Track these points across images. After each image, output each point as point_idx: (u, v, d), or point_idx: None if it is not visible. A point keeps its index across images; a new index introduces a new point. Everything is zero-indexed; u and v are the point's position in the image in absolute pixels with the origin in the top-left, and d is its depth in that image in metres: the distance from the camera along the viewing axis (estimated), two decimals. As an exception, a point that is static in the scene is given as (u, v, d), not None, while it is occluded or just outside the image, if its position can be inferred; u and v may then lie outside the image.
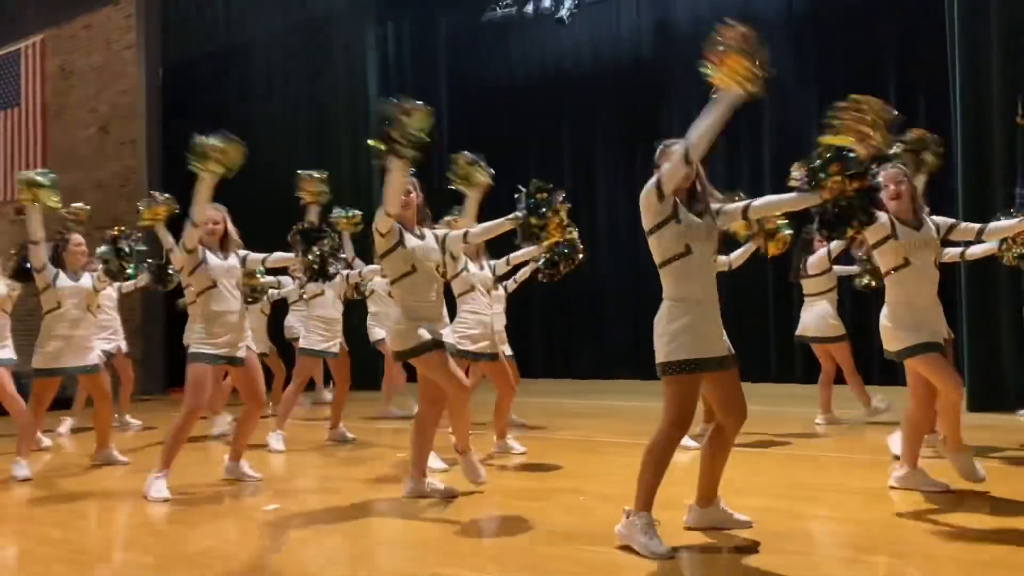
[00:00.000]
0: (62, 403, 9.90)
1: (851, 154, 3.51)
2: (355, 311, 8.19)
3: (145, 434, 7.65)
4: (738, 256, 6.07)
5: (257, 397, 5.05)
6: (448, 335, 4.41)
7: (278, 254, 5.61)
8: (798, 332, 6.89)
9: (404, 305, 4.29)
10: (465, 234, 4.58)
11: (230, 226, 5.15)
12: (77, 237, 5.97)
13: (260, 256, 5.46)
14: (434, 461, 4.99)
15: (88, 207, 7.01)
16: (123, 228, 5.87)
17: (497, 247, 5.87)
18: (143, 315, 12.24)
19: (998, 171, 7.49)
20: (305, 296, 7.13)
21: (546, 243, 4.82)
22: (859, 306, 8.27)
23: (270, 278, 7.40)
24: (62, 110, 13.73)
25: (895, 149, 4.71)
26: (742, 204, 3.68)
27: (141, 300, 11.12)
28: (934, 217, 4.38)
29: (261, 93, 12.51)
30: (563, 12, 11.44)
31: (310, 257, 5.53)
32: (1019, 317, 7.15)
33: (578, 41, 11.83)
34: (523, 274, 6.80)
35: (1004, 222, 4.59)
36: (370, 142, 4.06)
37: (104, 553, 3.69)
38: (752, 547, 3.37)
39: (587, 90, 11.74)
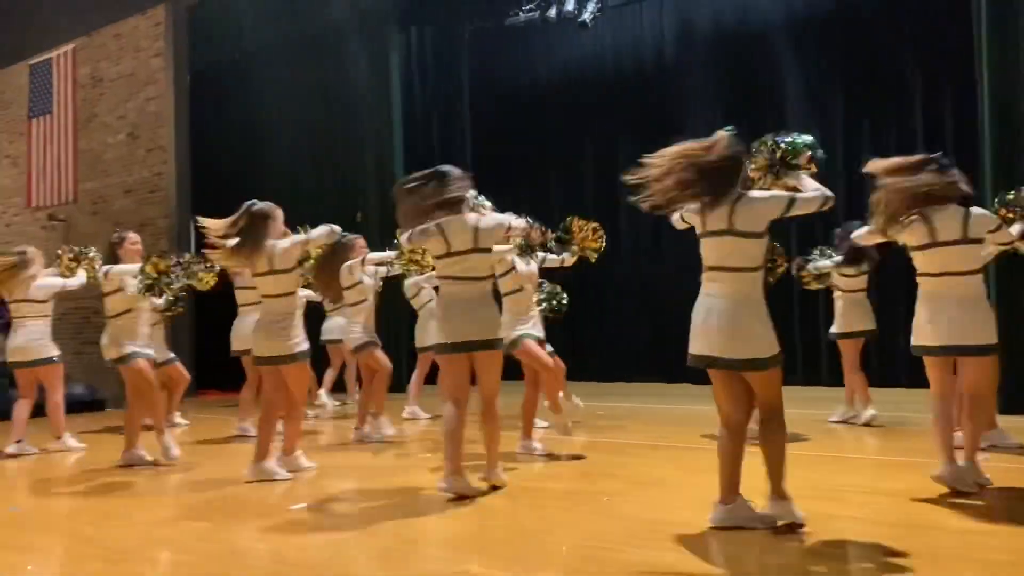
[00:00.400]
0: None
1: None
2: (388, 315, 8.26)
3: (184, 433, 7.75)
4: None
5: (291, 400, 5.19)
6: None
7: None
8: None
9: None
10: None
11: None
12: (133, 235, 6.21)
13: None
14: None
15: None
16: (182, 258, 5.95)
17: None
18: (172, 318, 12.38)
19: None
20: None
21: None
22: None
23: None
24: (92, 117, 13.95)
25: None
26: None
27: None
28: (976, 211, 4.32)
29: (286, 98, 12.63)
30: (586, 16, 11.44)
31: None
32: None
33: (601, 45, 11.86)
34: None
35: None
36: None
37: (136, 551, 3.76)
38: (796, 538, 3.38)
39: (609, 94, 11.76)
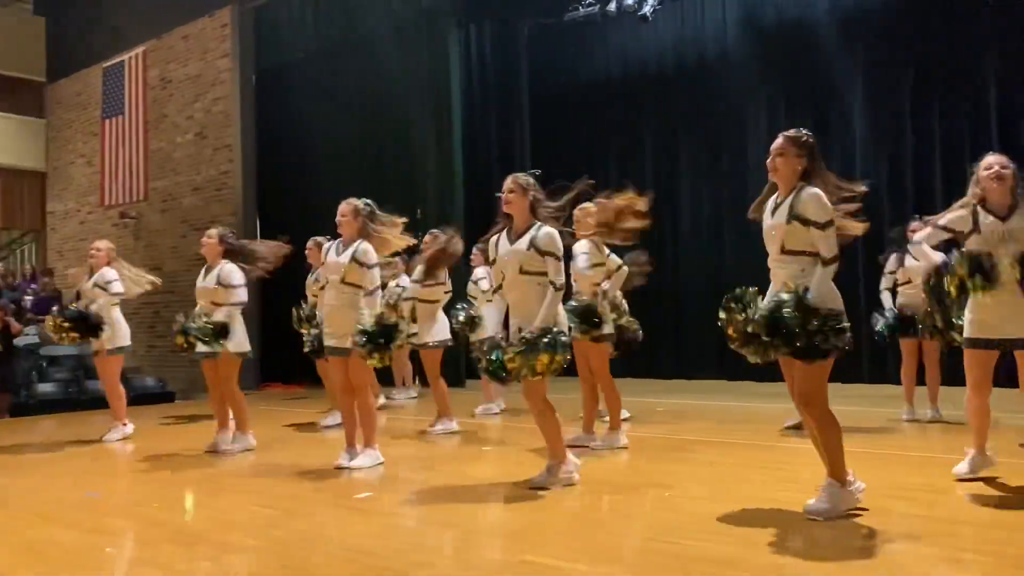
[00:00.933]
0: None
1: None
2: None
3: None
4: None
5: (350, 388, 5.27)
6: None
7: None
8: None
9: None
10: None
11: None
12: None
13: None
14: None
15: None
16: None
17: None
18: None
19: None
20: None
21: None
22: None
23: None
24: (162, 117, 14.35)
25: None
26: None
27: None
28: None
29: (348, 97, 12.82)
30: (646, 9, 11.36)
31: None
32: None
33: (661, 38, 11.74)
34: None
35: None
36: None
37: (208, 535, 3.88)
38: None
39: (670, 88, 11.64)
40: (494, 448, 6.40)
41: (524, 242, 4.47)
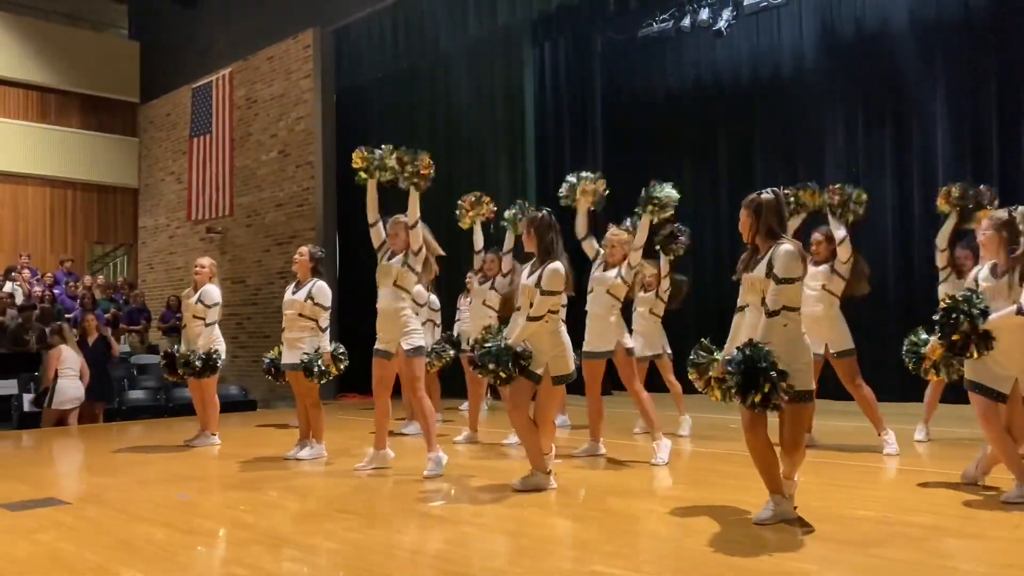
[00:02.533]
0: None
1: None
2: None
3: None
4: None
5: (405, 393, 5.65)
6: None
7: None
8: None
9: None
10: None
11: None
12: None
13: None
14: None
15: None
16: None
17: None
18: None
19: None
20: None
21: None
22: None
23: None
24: (247, 136, 14.90)
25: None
26: None
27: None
28: None
29: (425, 114, 13.12)
30: (721, 24, 11.34)
31: None
32: None
33: (736, 53, 11.66)
34: None
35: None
36: None
37: (292, 538, 4.05)
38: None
39: (745, 102, 11.55)
40: (560, 461, 6.47)
41: (534, 278, 4.82)
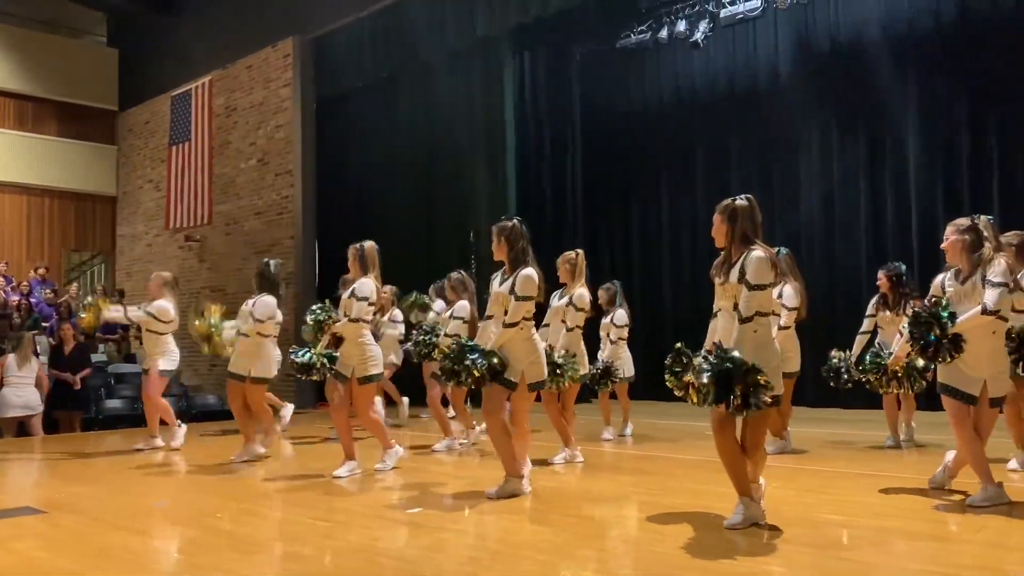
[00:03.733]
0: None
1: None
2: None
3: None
4: None
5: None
6: None
7: None
8: None
9: None
10: None
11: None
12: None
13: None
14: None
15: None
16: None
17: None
18: (295, 336, 13.05)
19: None
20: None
21: None
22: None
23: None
24: (226, 144, 14.88)
25: None
26: None
27: (293, 322, 11.82)
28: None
29: (404, 124, 13.17)
30: (698, 36, 11.48)
31: None
32: None
33: (713, 65, 11.84)
34: None
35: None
36: None
37: (267, 545, 4.07)
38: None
39: (722, 113, 11.72)
40: (539, 468, 6.52)
41: (507, 285, 4.86)
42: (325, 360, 6.14)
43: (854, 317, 9.23)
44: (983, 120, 9.59)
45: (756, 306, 3.89)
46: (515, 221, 5.01)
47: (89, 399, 10.25)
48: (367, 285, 5.66)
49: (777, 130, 11.12)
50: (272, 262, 6.82)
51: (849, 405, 9.37)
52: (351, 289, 5.72)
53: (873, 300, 6.73)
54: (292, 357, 6.33)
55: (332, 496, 5.24)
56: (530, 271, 4.84)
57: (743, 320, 3.88)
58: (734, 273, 3.98)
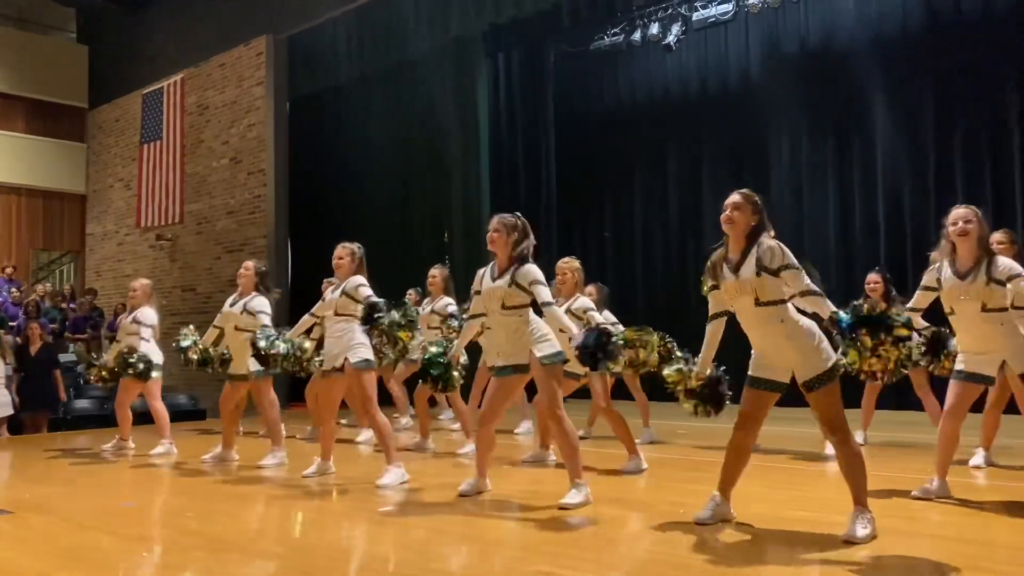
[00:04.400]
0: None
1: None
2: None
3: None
4: None
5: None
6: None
7: None
8: None
9: None
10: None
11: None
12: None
13: None
14: None
15: None
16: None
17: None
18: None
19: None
20: None
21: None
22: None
23: None
24: (198, 143, 14.76)
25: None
26: None
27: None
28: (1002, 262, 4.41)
29: (378, 123, 13.15)
30: (670, 39, 11.60)
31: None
32: None
33: (685, 67, 11.98)
34: None
35: None
36: None
37: (236, 544, 4.06)
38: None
39: (694, 116, 11.85)
40: (512, 467, 6.55)
41: (505, 280, 4.65)
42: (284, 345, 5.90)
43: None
44: (949, 121, 9.78)
45: (807, 279, 3.77)
46: (522, 220, 4.81)
47: (56, 399, 10.12)
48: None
49: (748, 131, 11.26)
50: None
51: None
52: (342, 287, 5.59)
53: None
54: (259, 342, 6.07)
55: (304, 496, 5.23)
56: (534, 265, 4.69)
57: (811, 293, 3.74)
58: (748, 267, 3.82)
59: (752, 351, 3.97)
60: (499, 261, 4.75)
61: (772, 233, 3.93)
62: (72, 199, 17.36)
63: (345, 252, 5.70)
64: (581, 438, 7.44)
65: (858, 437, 6.76)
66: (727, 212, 3.95)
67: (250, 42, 13.98)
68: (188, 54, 14.95)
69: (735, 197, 3.97)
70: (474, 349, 7.75)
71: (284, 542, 4.04)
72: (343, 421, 8.55)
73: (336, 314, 5.61)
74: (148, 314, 7.34)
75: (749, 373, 3.96)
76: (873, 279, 6.64)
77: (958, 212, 4.47)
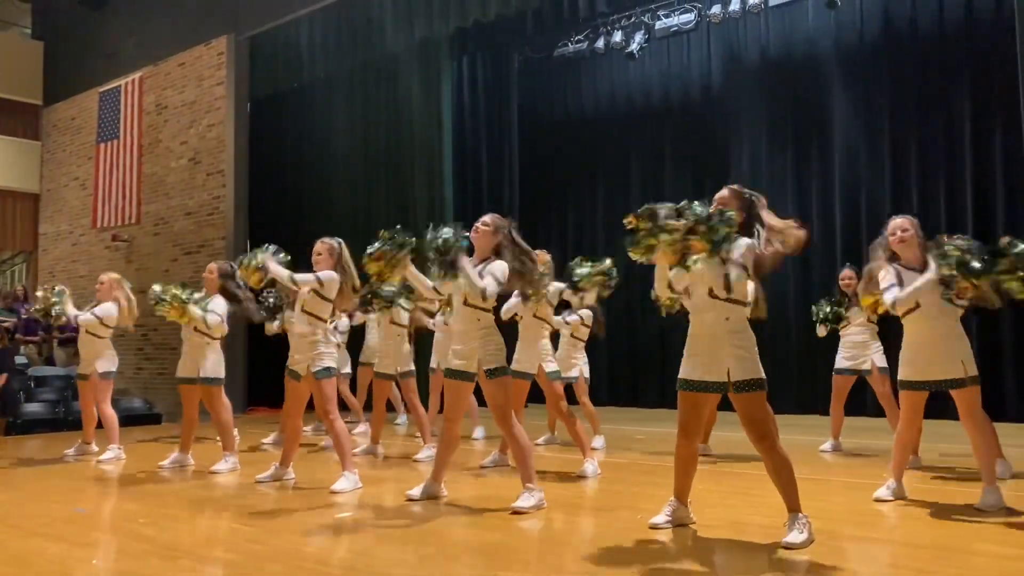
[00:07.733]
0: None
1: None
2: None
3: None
4: None
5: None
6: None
7: None
8: None
9: None
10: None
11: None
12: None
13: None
14: None
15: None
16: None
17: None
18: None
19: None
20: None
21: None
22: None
23: None
24: (156, 142, 14.52)
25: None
26: None
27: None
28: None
29: (341, 126, 13.05)
30: (633, 47, 11.69)
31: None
32: None
33: (648, 75, 12.10)
34: None
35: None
36: None
37: (190, 550, 4.00)
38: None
39: (656, 123, 11.98)
40: (468, 473, 6.55)
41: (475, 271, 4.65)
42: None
43: (778, 320, 9.51)
44: (904, 129, 10.01)
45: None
46: (513, 222, 4.83)
47: (15, 402, 9.88)
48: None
49: (709, 139, 11.40)
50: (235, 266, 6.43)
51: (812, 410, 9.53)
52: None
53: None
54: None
55: (258, 501, 5.17)
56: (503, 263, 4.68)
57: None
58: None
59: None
60: (477, 255, 4.76)
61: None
62: (25, 198, 16.97)
63: (323, 248, 5.53)
64: (549, 442, 7.50)
65: (827, 445, 6.86)
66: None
67: (211, 41, 13.79)
68: (147, 52, 14.71)
69: (726, 195, 4.25)
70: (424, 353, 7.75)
71: (237, 548, 3.99)
72: (307, 429, 8.48)
73: (303, 311, 5.47)
74: (107, 308, 7.19)
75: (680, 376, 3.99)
76: (847, 274, 6.81)
77: (896, 222, 4.67)
